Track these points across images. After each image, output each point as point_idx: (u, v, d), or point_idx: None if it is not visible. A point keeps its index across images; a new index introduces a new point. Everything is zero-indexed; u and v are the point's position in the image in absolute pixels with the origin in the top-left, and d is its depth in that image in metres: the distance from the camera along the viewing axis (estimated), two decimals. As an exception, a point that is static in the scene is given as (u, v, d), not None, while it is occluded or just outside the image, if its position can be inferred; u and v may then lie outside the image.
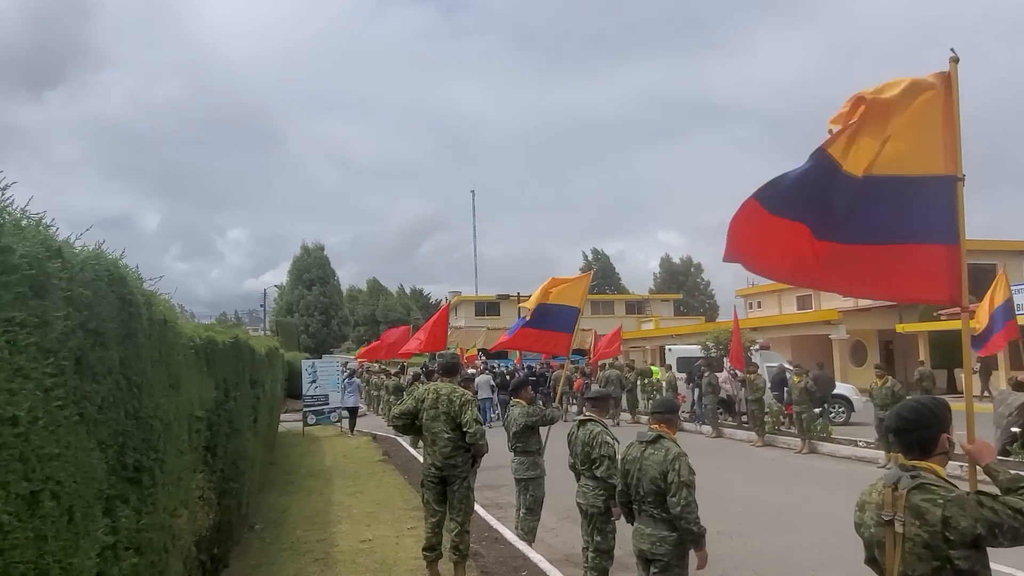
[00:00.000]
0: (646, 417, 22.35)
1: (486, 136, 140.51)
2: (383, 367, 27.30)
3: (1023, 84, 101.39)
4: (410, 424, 6.08)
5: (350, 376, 19.30)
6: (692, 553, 4.47)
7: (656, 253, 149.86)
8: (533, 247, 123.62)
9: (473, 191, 64.11)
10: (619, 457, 4.81)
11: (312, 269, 67.76)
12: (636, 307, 67.03)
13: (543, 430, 7.45)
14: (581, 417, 5.98)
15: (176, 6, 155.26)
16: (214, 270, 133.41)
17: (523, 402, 7.42)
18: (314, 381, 18.23)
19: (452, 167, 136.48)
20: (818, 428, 14.98)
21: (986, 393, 27.04)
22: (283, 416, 21.61)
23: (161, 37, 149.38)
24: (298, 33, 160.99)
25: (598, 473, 5.60)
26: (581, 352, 44.38)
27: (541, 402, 21.72)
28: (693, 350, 21.13)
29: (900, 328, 30.14)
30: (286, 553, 6.87)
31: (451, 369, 6.21)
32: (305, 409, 18.22)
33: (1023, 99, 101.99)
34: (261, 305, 71.92)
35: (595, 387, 23.75)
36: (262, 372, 8.29)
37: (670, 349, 21.95)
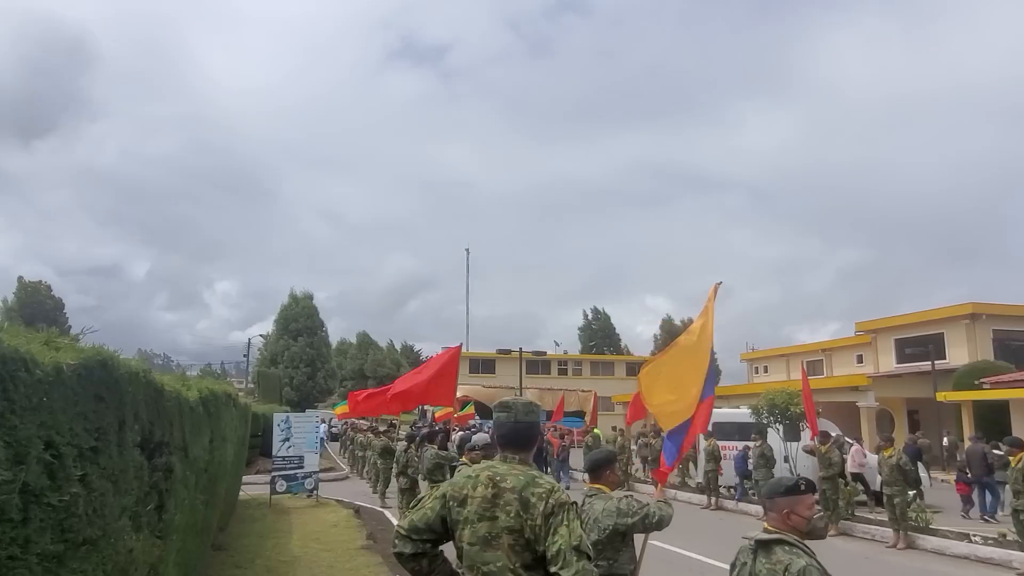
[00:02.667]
0: (675, 493, 19.18)
1: (476, 199, 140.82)
2: (371, 423, 24.16)
3: (996, 164, 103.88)
4: (430, 552, 2.84)
5: None
6: None
7: (644, 317, 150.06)
8: (520, 308, 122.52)
9: (468, 249, 61.86)
10: None
11: (300, 319, 64.76)
12: (637, 369, 64.04)
13: (639, 538, 4.52)
14: (763, 534, 3.09)
15: (176, 61, 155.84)
16: (201, 321, 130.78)
17: (607, 489, 4.47)
18: (287, 439, 15.12)
19: (442, 227, 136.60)
20: (915, 516, 12.00)
21: None
22: (251, 477, 18.45)
23: (159, 91, 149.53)
24: (296, 91, 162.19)
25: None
26: (579, 415, 41.39)
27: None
28: (740, 414, 18.09)
29: (941, 396, 27.42)
30: None
31: (524, 437, 2.90)
32: (274, 473, 15.03)
33: (997, 177, 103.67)
34: (245, 356, 68.51)
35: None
36: (191, 428, 5.37)
37: (705, 412, 18.92)
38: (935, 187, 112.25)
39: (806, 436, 15.51)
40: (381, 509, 15.05)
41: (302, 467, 15.29)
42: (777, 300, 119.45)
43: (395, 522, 13.42)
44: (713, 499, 17.01)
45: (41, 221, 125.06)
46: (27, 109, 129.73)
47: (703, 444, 17.63)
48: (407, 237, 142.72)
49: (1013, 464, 10.02)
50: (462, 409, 39.72)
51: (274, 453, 15.16)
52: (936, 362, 29.61)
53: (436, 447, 10.68)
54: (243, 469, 15.08)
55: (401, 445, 15.94)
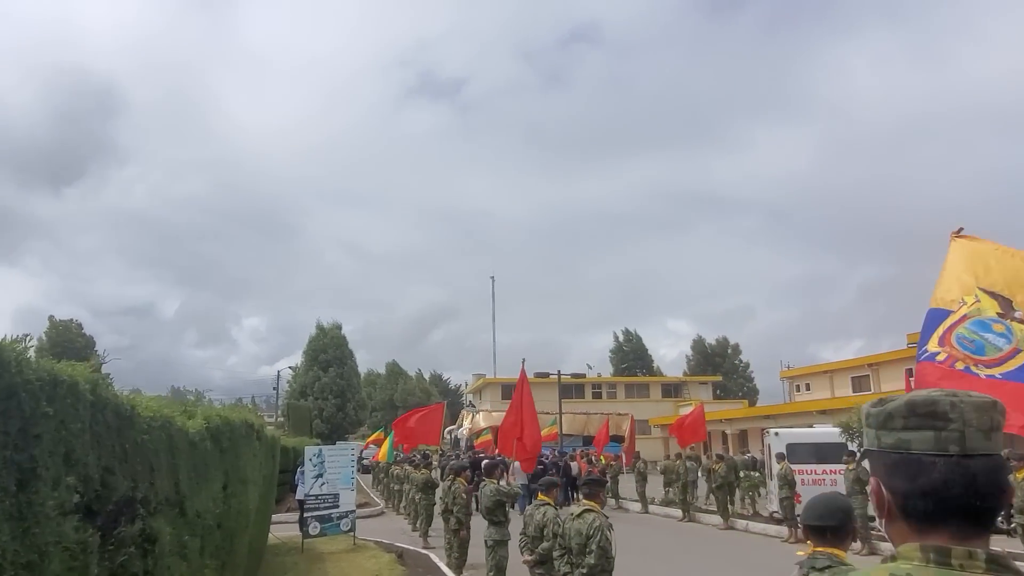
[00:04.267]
0: (745, 524, 17.28)
1: (497, 228, 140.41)
2: (411, 454, 22.62)
3: (1010, 177, 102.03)
4: None
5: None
6: None
7: (666, 340, 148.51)
8: (542, 335, 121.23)
9: (493, 277, 60.58)
10: None
11: (328, 349, 63.63)
12: (673, 390, 62.11)
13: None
14: None
15: (200, 105, 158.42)
16: (231, 357, 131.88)
17: (841, 554, 2.78)
18: (320, 475, 13.60)
19: (463, 257, 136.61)
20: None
21: None
22: (282, 515, 17.00)
23: (185, 134, 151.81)
24: (317, 130, 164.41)
25: None
26: (618, 440, 39.26)
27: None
28: (817, 433, 16.09)
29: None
30: None
31: (991, 492, 1.11)
32: (307, 514, 13.50)
33: (1013, 190, 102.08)
34: (274, 388, 67.48)
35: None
36: (191, 472, 3.88)
37: (776, 433, 16.98)
38: (951, 200, 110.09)
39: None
40: (425, 551, 13.43)
41: (337, 505, 13.74)
42: (799, 319, 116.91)
43: (443, 567, 11.81)
44: (794, 530, 15.14)
45: (74, 264, 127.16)
46: (58, 158, 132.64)
47: (775, 468, 15.84)
48: (429, 268, 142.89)
49: None
50: (480, 436, 37.78)
51: (306, 491, 13.63)
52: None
53: (496, 481, 9.07)
54: (271, 512, 13.57)
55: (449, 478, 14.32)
